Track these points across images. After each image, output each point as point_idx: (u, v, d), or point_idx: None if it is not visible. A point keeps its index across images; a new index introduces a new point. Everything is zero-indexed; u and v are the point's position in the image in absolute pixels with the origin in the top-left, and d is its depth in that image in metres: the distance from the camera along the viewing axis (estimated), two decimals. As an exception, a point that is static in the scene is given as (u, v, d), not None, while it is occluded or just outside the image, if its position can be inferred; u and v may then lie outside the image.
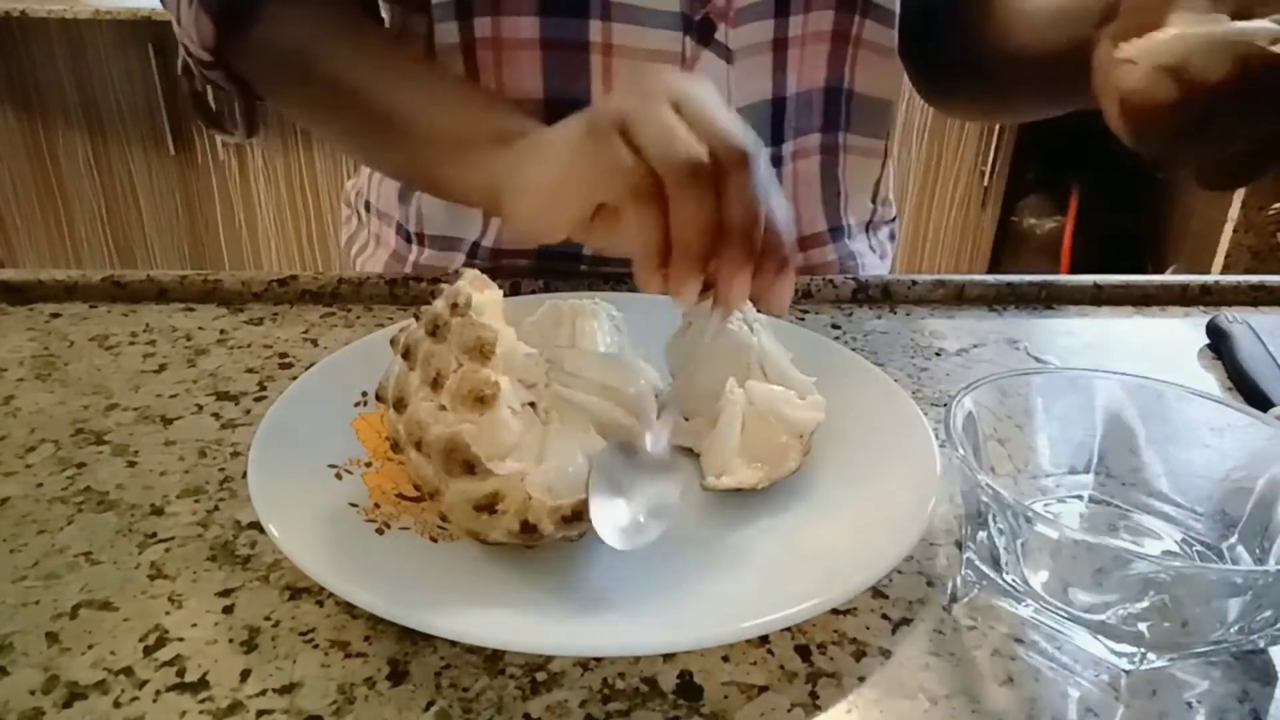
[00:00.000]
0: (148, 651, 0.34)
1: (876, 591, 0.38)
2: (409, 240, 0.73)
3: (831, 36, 0.65)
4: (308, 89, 0.61)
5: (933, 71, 0.73)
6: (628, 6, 0.60)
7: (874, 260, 0.79)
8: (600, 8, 0.59)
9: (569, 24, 0.60)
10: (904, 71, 0.73)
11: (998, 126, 2.49)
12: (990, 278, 0.70)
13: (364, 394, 0.48)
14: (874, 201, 0.77)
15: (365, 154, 0.68)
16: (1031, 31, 0.58)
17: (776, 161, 0.68)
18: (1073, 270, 2.61)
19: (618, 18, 0.60)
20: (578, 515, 0.35)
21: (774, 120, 0.66)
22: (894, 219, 0.82)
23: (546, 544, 0.37)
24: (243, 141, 0.71)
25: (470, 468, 0.34)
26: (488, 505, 0.35)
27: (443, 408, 0.36)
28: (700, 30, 0.61)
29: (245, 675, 0.33)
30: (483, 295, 0.39)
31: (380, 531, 0.39)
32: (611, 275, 0.68)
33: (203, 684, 0.33)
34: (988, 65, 0.65)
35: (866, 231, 0.78)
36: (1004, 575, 0.37)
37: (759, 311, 0.48)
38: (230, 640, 0.35)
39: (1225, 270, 2.15)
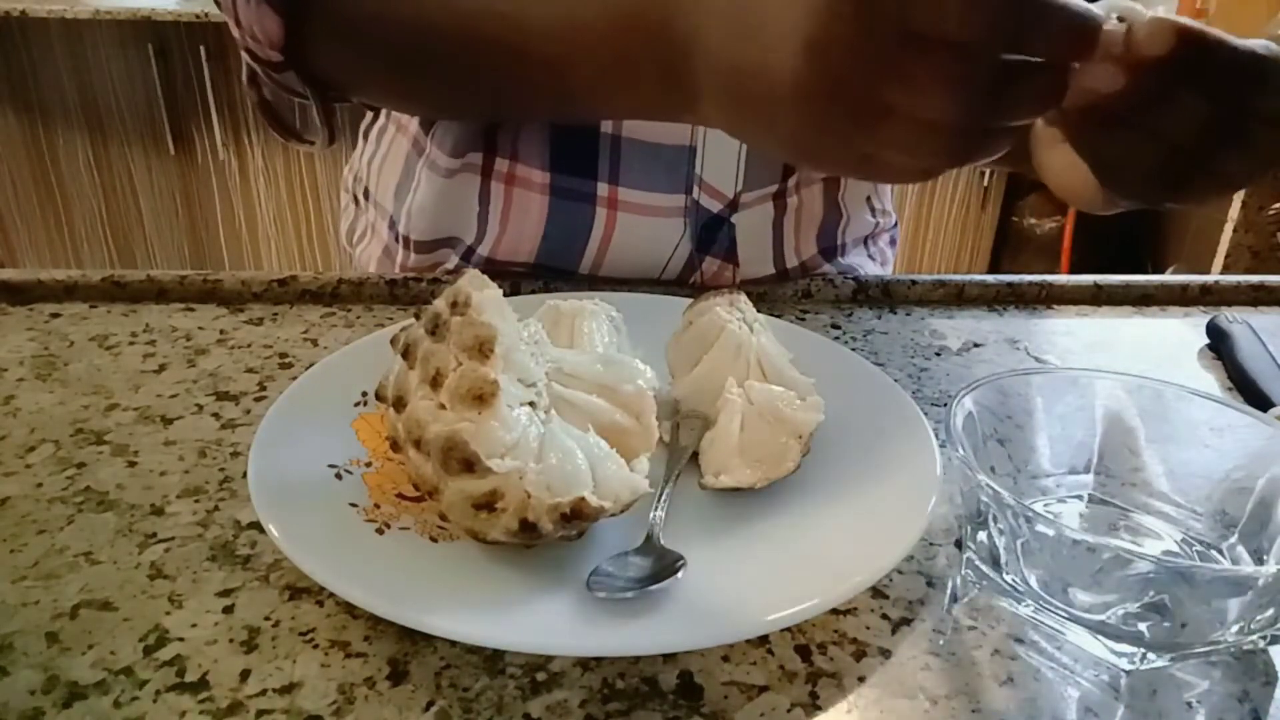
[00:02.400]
0: (148, 651, 0.34)
1: (876, 591, 0.38)
2: (398, 240, 0.73)
3: None
4: (402, 49, 0.54)
5: None
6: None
7: (873, 268, 0.79)
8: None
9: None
10: None
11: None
12: (990, 278, 0.70)
13: (364, 394, 0.48)
14: (873, 215, 0.77)
15: (501, 97, 0.57)
16: None
17: (781, 194, 0.68)
18: (1073, 270, 2.61)
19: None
20: (577, 513, 0.35)
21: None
22: (894, 225, 0.82)
23: (546, 543, 0.37)
24: (323, 149, 0.64)
25: (469, 466, 0.34)
26: (487, 503, 0.35)
27: (442, 406, 0.36)
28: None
29: (245, 675, 0.33)
30: (483, 294, 0.39)
31: (380, 531, 0.39)
32: (611, 279, 0.68)
33: (203, 684, 0.33)
34: None
35: (865, 244, 0.78)
36: (1004, 575, 0.37)
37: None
38: (230, 640, 0.35)
39: (1225, 270, 2.15)
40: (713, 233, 0.67)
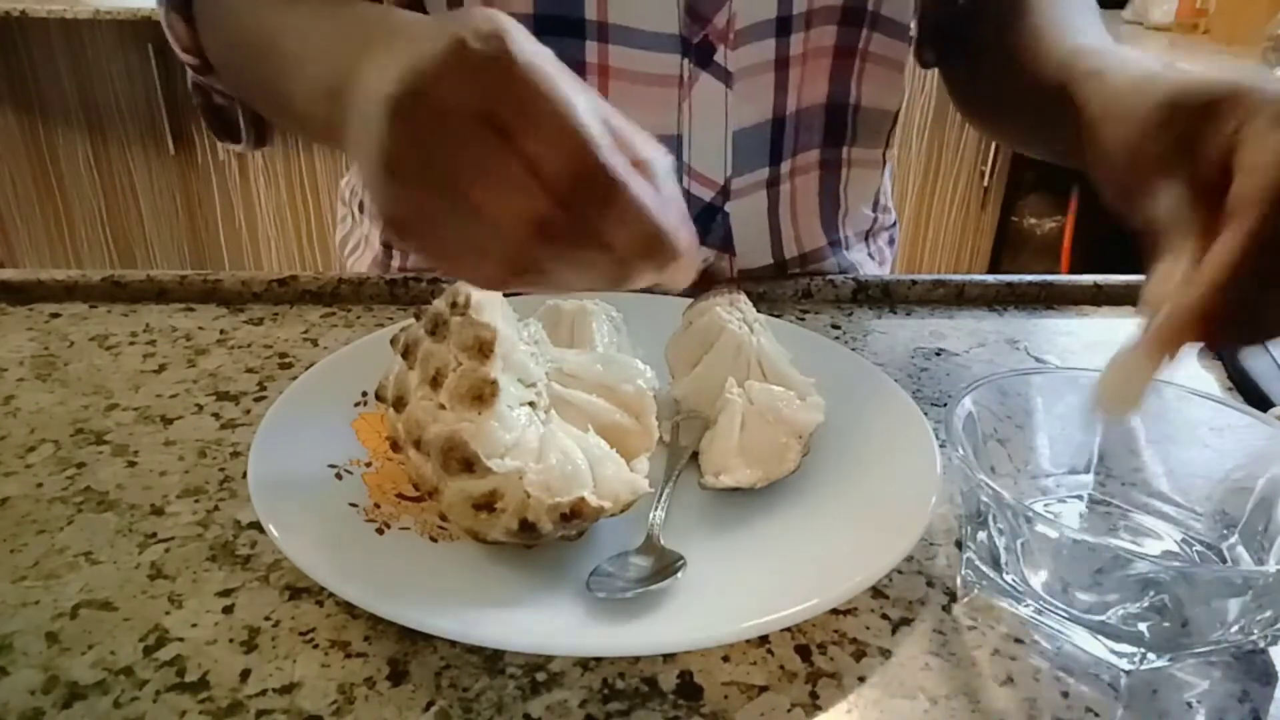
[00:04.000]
0: (148, 651, 0.34)
1: (876, 591, 0.38)
2: (389, 248, 0.73)
3: (835, 52, 0.64)
4: (225, 57, 0.58)
5: (969, 88, 0.72)
6: (624, 29, 0.59)
7: (872, 267, 0.78)
8: (596, 30, 0.59)
9: (565, 44, 0.59)
10: (909, 81, 0.72)
11: (998, 126, 2.49)
12: (990, 278, 0.70)
13: (364, 394, 0.48)
14: (874, 210, 0.77)
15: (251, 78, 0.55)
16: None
17: (774, 181, 0.67)
18: (1073, 270, 2.60)
19: (614, 39, 0.59)
20: (576, 513, 0.35)
21: (773, 139, 0.66)
22: (894, 224, 0.82)
23: (546, 543, 0.37)
24: (250, 151, 0.68)
25: (469, 466, 0.34)
26: (486, 504, 0.35)
27: (442, 406, 0.36)
28: (699, 53, 0.61)
29: (245, 675, 0.33)
30: (483, 294, 0.39)
31: (380, 531, 0.39)
32: None
33: (203, 684, 0.33)
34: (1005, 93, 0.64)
35: (866, 240, 0.78)
36: (1004, 575, 0.37)
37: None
38: (230, 640, 0.35)
39: (1225, 270, 2.14)
40: (707, 223, 0.67)
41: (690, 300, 0.51)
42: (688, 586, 0.36)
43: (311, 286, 0.65)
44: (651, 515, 0.40)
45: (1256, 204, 0.34)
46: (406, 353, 0.39)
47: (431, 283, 0.65)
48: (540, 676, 0.34)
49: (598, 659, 0.34)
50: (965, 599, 0.38)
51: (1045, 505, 0.42)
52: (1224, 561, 0.39)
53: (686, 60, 0.61)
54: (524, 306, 0.47)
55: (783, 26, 0.61)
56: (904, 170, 2.58)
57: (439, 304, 0.39)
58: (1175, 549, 0.40)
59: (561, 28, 0.59)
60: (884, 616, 0.37)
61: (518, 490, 0.35)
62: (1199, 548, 0.40)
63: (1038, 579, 0.36)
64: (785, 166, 0.67)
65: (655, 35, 0.59)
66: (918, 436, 0.44)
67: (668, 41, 0.60)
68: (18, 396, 0.51)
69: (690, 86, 0.61)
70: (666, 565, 0.36)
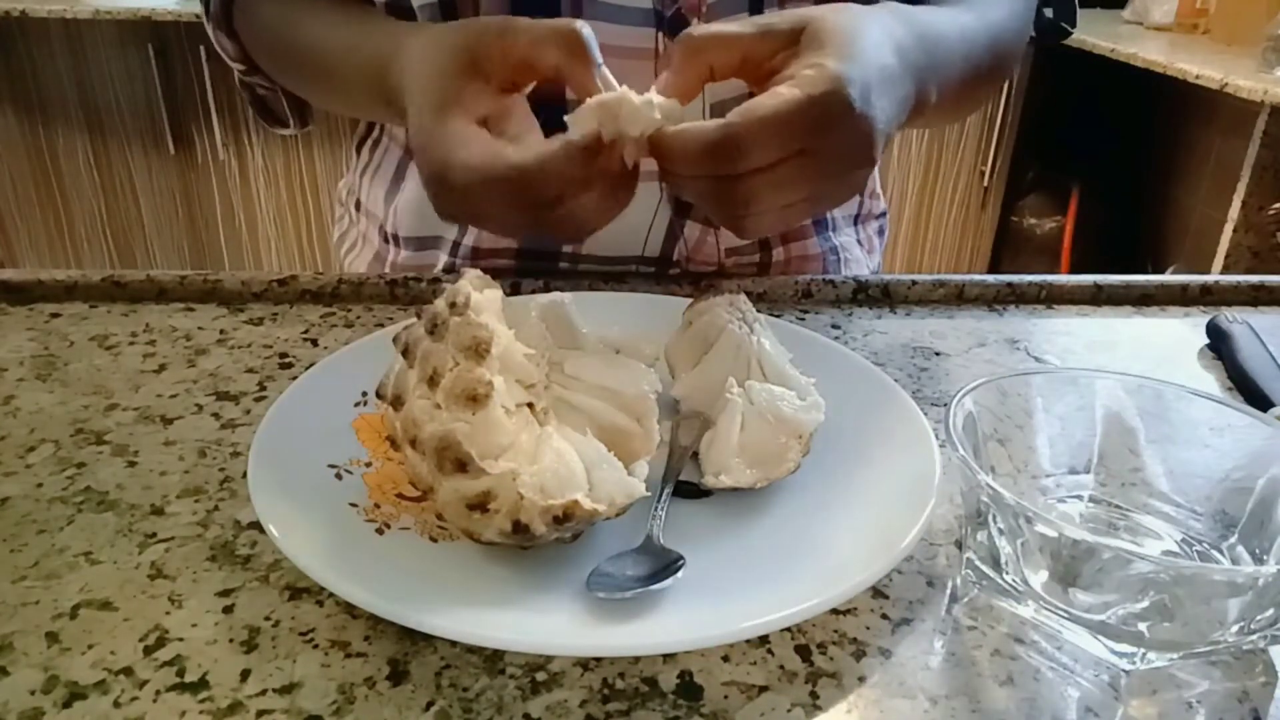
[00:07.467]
0: (148, 651, 0.34)
1: (876, 591, 0.38)
2: (388, 241, 0.74)
3: None
4: (280, 57, 0.68)
5: None
6: (599, 4, 0.60)
7: (860, 254, 0.78)
8: (570, 6, 0.60)
9: None
10: None
11: (997, 125, 2.49)
12: (990, 278, 0.70)
13: (364, 394, 0.48)
14: (861, 194, 0.77)
15: (316, 97, 0.72)
16: None
17: None
18: (1073, 270, 2.61)
19: (588, 14, 0.60)
20: (569, 516, 0.34)
21: None
22: (883, 213, 0.82)
23: (541, 544, 0.37)
24: (297, 133, 0.78)
25: (462, 466, 0.34)
26: (480, 504, 0.35)
27: (438, 406, 0.36)
28: (673, 25, 0.61)
29: (245, 675, 0.33)
30: (483, 295, 0.39)
31: (380, 531, 0.39)
32: (604, 274, 0.68)
33: (203, 684, 0.33)
34: None
35: (855, 225, 0.78)
36: (1004, 575, 0.37)
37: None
38: (230, 640, 0.35)
39: (1225, 270, 2.15)
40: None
41: (690, 300, 0.51)
42: (688, 586, 0.36)
43: (311, 286, 0.65)
44: (651, 515, 0.40)
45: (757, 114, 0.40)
46: (406, 351, 0.39)
47: (431, 283, 0.65)
48: (540, 676, 0.34)
49: (598, 659, 0.34)
50: (965, 599, 0.38)
51: (1045, 505, 0.42)
52: (1224, 561, 0.39)
53: (660, 33, 0.61)
54: (526, 307, 0.47)
55: (755, 2, 0.62)
56: (904, 170, 2.59)
57: (439, 304, 0.39)
58: (1175, 549, 0.40)
59: (537, 6, 0.60)
60: (884, 616, 0.37)
61: (511, 491, 0.35)
62: (1199, 548, 0.40)
63: (1038, 579, 0.36)
64: None
65: (629, 10, 0.60)
66: (918, 436, 0.44)
67: (641, 15, 0.61)
68: (18, 396, 0.51)
69: (667, 60, 0.62)
70: (666, 565, 0.36)
